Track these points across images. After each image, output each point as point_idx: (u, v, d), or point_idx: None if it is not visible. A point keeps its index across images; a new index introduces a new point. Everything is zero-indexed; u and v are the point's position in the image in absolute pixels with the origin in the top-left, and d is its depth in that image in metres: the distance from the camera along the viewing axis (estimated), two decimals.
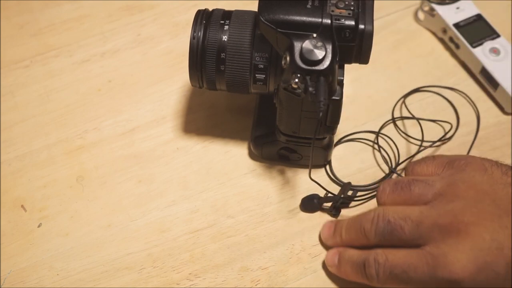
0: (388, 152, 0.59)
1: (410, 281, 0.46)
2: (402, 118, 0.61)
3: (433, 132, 0.60)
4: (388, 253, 0.47)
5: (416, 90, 0.63)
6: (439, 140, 0.59)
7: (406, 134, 0.60)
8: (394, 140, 0.60)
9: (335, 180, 0.58)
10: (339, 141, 0.60)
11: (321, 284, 0.53)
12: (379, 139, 0.60)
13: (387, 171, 0.58)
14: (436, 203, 0.46)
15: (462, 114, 0.62)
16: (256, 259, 0.54)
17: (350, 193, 0.56)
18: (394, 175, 0.58)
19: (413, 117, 0.61)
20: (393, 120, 0.61)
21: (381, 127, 0.61)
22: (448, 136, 0.60)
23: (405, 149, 0.60)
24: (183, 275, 0.53)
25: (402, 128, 0.61)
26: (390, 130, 0.61)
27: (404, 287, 0.46)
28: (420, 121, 0.61)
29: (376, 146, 0.60)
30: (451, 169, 0.48)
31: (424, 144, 0.59)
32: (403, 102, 0.62)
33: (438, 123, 0.61)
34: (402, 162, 0.58)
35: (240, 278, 0.53)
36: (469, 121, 0.61)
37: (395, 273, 0.46)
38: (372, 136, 0.60)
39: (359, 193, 0.56)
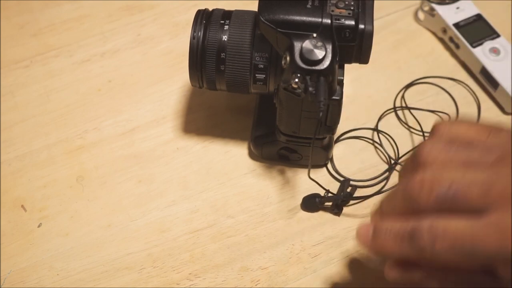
0: (388, 148, 0.59)
1: (474, 255, 0.40)
2: (402, 108, 0.62)
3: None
4: (446, 224, 0.41)
5: (416, 82, 0.63)
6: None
7: (407, 124, 0.61)
8: (393, 136, 0.60)
9: (337, 177, 0.58)
10: (338, 139, 0.60)
11: (321, 284, 0.53)
12: (378, 135, 0.60)
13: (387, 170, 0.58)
14: (501, 168, 0.41)
15: (462, 113, 0.62)
16: (256, 259, 0.54)
17: (349, 189, 0.56)
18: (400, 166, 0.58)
19: (411, 108, 0.61)
20: (395, 109, 0.62)
21: (381, 117, 0.61)
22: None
23: (404, 144, 0.60)
24: (183, 275, 0.53)
25: (401, 127, 0.61)
26: (388, 126, 0.61)
27: (463, 259, 0.41)
28: (419, 118, 0.61)
29: (376, 144, 0.60)
30: (499, 138, 0.43)
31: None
32: (403, 94, 0.63)
33: (436, 114, 0.62)
34: (403, 155, 0.59)
35: (240, 278, 0.53)
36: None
37: (458, 246, 0.40)
38: (371, 134, 0.60)
39: (359, 190, 0.57)
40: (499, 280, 0.42)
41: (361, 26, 0.48)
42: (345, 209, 0.56)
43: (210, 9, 0.54)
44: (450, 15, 0.65)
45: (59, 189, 0.57)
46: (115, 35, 0.68)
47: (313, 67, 0.47)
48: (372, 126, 0.61)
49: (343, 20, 0.48)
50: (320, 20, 0.48)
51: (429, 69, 0.65)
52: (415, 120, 0.61)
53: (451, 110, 0.62)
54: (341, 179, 0.58)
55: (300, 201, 0.56)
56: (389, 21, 0.68)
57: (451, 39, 0.65)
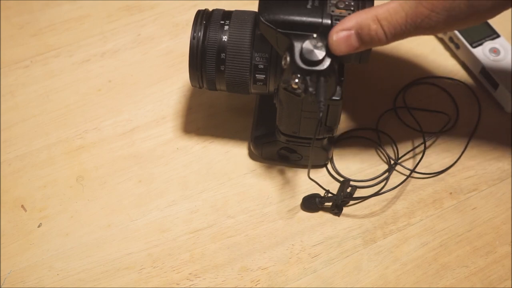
0: (388, 148, 0.59)
1: None
2: (402, 108, 0.62)
3: (432, 128, 0.61)
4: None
5: (416, 82, 0.63)
6: (440, 131, 0.60)
7: (407, 124, 0.61)
8: (392, 136, 0.60)
9: (337, 177, 0.58)
10: (338, 139, 0.60)
11: (321, 284, 0.53)
12: (378, 135, 0.60)
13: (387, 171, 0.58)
14: None
15: (461, 113, 0.62)
16: (256, 259, 0.54)
17: (349, 189, 0.56)
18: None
19: (411, 108, 0.61)
20: (395, 109, 0.62)
21: (381, 117, 0.61)
22: (448, 126, 0.61)
23: (404, 144, 0.60)
24: (183, 275, 0.53)
25: (401, 127, 0.61)
26: (388, 126, 0.61)
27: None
28: (419, 118, 0.61)
29: (376, 144, 0.60)
30: None
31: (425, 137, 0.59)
32: (403, 94, 0.63)
33: (436, 114, 0.61)
34: (403, 155, 0.59)
35: (240, 278, 0.53)
36: (468, 121, 0.61)
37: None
38: (371, 134, 0.60)
39: (359, 190, 0.57)
40: None
41: None
42: (345, 209, 0.56)
43: (210, 9, 0.54)
44: None
45: (59, 189, 0.57)
46: (115, 35, 0.68)
47: (313, 68, 0.47)
48: (372, 126, 0.61)
49: None
50: (320, 20, 0.48)
51: (429, 69, 0.65)
52: (415, 120, 0.61)
53: (451, 110, 0.62)
54: (341, 179, 0.58)
55: (300, 201, 0.56)
56: None
57: (451, 39, 0.65)
